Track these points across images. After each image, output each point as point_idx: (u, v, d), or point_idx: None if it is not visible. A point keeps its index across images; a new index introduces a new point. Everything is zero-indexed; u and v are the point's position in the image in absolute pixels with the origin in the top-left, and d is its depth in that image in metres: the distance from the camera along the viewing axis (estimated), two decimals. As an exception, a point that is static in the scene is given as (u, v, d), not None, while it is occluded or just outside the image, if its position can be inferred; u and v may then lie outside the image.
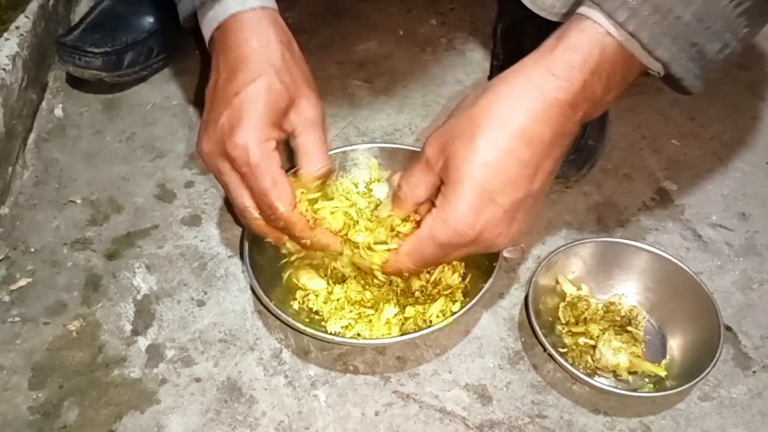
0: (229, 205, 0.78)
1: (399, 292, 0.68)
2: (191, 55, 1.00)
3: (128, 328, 0.70)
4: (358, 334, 0.66)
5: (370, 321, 0.67)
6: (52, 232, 0.78)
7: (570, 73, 0.51)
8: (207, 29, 0.63)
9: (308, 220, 0.61)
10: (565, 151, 0.55)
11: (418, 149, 0.75)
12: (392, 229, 0.63)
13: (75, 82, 0.95)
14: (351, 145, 0.78)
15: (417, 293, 0.68)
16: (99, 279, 0.73)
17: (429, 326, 0.64)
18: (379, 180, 0.69)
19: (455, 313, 0.65)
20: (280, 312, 0.64)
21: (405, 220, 0.62)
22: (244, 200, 0.60)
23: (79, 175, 0.84)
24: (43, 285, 0.73)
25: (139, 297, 0.72)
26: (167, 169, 0.85)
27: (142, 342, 0.68)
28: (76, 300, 0.72)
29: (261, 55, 0.59)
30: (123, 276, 0.74)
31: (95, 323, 0.70)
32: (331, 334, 0.65)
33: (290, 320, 0.64)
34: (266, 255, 0.68)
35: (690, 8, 0.49)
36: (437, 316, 0.66)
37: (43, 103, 0.92)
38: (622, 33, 0.50)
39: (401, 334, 0.66)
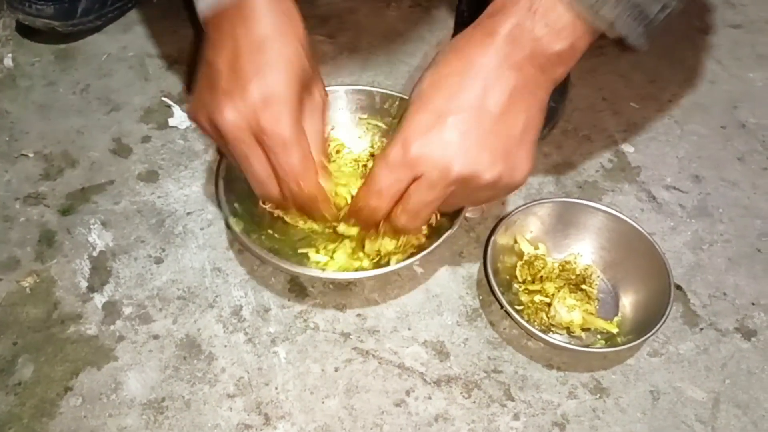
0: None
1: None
2: (148, 4, 0.97)
3: (84, 284, 0.69)
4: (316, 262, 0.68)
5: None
6: (4, 186, 0.76)
7: (502, 6, 0.55)
8: None
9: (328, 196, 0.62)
10: (517, 88, 0.55)
11: (399, 94, 0.76)
12: None
13: (26, 31, 0.91)
14: (330, 87, 0.73)
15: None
16: (53, 235, 0.72)
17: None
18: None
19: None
20: (248, 242, 0.65)
21: None
22: (264, 173, 0.60)
23: (31, 128, 0.81)
24: (-6, 240, 0.71)
25: (94, 253, 0.71)
26: (123, 122, 0.83)
27: (99, 299, 0.68)
28: (30, 256, 0.70)
29: (289, 30, 0.58)
30: (78, 232, 0.72)
31: (50, 279, 0.69)
32: (295, 262, 0.65)
33: (257, 249, 0.64)
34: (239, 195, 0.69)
35: None
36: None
37: (-8, 53, 0.89)
38: None
39: (356, 269, 0.67)
